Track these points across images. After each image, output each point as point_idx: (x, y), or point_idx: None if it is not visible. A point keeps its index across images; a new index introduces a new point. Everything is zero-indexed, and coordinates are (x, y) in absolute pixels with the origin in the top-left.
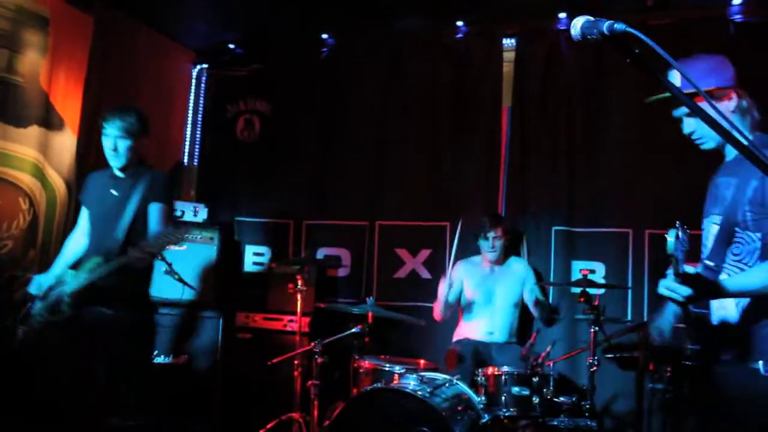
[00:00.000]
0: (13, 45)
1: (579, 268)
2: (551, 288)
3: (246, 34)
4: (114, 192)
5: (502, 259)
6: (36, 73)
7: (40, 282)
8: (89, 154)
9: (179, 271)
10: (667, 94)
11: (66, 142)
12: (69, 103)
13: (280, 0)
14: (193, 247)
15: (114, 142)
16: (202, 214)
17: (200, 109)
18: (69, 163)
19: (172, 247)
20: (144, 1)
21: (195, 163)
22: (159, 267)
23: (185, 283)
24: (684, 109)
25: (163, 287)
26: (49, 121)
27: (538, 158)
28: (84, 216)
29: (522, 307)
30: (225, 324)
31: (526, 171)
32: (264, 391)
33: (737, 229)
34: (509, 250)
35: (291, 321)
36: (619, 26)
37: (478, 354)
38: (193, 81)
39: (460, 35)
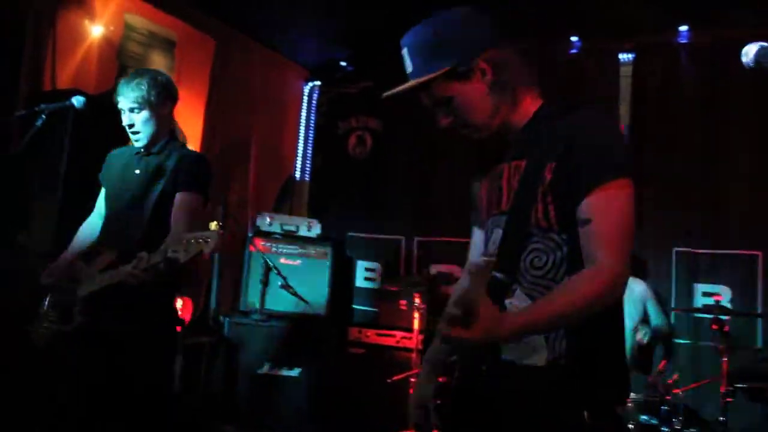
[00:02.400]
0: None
1: (702, 291)
2: (672, 313)
3: (357, 52)
4: (137, 171)
5: None
6: None
7: (49, 274)
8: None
9: (294, 285)
10: (404, 88)
11: None
12: (192, 120)
13: (390, 18)
14: (308, 261)
15: (129, 118)
16: (316, 229)
17: (312, 125)
18: None
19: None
20: (260, 22)
21: (307, 179)
22: (275, 280)
23: (300, 298)
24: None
25: (278, 300)
26: (175, 138)
27: (657, 176)
28: (102, 197)
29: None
30: (338, 338)
31: (645, 189)
32: (377, 406)
33: (535, 230)
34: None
35: (404, 337)
36: None
37: None
38: (305, 98)
39: (573, 51)
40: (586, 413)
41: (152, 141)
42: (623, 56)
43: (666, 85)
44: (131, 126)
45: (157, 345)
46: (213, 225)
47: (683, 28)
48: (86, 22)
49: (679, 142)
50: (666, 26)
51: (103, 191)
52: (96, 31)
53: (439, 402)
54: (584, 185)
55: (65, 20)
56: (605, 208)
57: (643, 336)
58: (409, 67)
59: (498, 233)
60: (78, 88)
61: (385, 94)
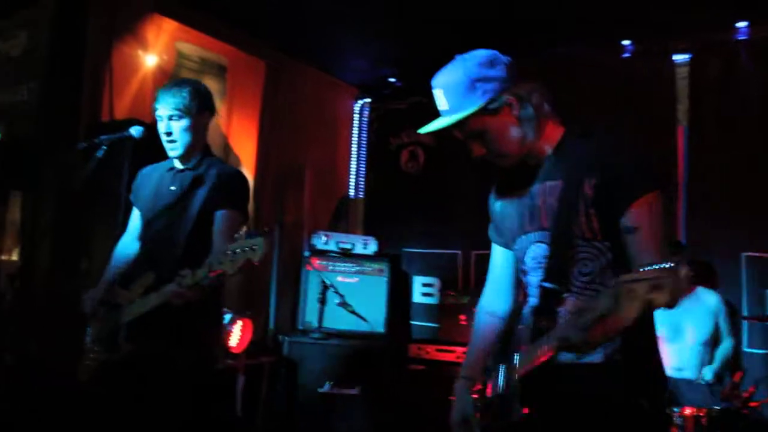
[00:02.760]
0: None
1: None
2: (744, 322)
3: (405, 68)
4: (172, 187)
5: (687, 291)
6: (215, 118)
7: (89, 299)
8: (264, 191)
9: (351, 303)
10: (442, 125)
11: None
12: (245, 143)
13: (438, 32)
14: (365, 279)
15: (167, 125)
16: (372, 246)
17: (364, 142)
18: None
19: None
20: (309, 43)
21: (360, 196)
22: (332, 298)
23: (358, 315)
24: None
25: (336, 318)
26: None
27: (720, 179)
28: (135, 218)
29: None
30: (397, 355)
31: (707, 193)
32: (438, 423)
33: (579, 241)
34: (697, 280)
35: (465, 353)
36: None
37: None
38: (356, 116)
39: (626, 55)
40: (644, 402)
41: (188, 152)
42: (678, 57)
43: (725, 84)
44: (169, 134)
45: (204, 366)
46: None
47: (742, 24)
48: (140, 53)
49: (742, 143)
50: (723, 23)
51: (135, 212)
52: (150, 61)
53: (482, 416)
54: (627, 197)
55: (120, 52)
56: (648, 217)
57: (704, 375)
58: (443, 105)
59: (540, 248)
60: (135, 118)
61: (422, 130)
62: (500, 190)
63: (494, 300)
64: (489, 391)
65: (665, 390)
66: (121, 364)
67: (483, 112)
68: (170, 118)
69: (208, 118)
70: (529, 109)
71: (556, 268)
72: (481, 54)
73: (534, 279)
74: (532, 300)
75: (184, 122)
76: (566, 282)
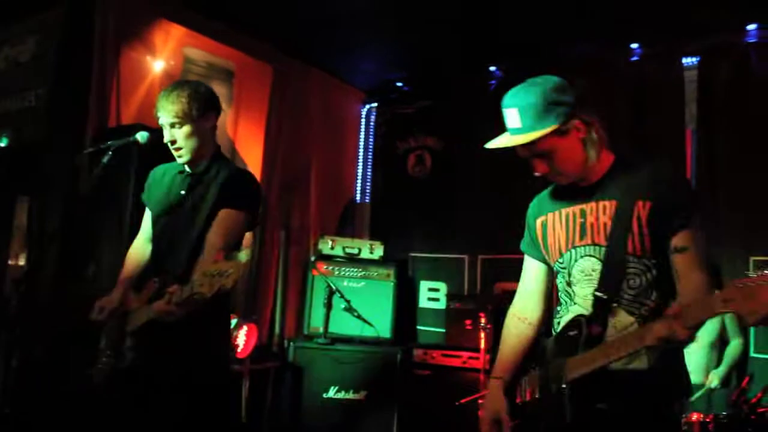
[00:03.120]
0: None
1: None
2: (751, 327)
3: (413, 72)
4: (182, 191)
5: None
6: (223, 123)
7: (101, 307)
8: (271, 195)
9: (357, 307)
10: (514, 142)
11: None
12: (251, 148)
13: (446, 36)
14: (371, 283)
15: (170, 134)
16: (378, 251)
17: (371, 147)
18: None
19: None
20: (316, 47)
21: (367, 200)
22: (338, 303)
23: (364, 320)
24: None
25: (342, 323)
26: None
27: (728, 183)
28: (147, 219)
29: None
30: (403, 360)
31: (716, 197)
32: (445, 429)
33: (631, 257)
34: None
35: (471, 358)
36: None
37: None
38: (363, 120)
39: (634, 58)
40: (674, 410)
41: (196, 157)
42: (687, 60)
43: (735, 87)
44: (173, 142)
45: (212, 373)
46: (243, 254)
47: (752, 26)
48: (147, 58)
49: (751, 146)
50: (732, 25)
51: (147, 213)
52: (157, 66)
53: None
54: (681, 221)
55: (128, 57)
56: (696, 238)
57: (710, 382)
58: (515, 123)
59: (589, 261)
60: (142, 123)
61: (489, 145)
62: (544, 208)
63: (525, 307)
64: (518, 399)
65: (689, 395)
66: (126, 372)
67: (554, 133)
68: (172, 126)
69: (213, 120)
70: (593, 134)
71: (608, 280)
72: (554, 79)
73: (582, 290)
74: (577, 308)
75: (186, 129)
76: (616, 294)
